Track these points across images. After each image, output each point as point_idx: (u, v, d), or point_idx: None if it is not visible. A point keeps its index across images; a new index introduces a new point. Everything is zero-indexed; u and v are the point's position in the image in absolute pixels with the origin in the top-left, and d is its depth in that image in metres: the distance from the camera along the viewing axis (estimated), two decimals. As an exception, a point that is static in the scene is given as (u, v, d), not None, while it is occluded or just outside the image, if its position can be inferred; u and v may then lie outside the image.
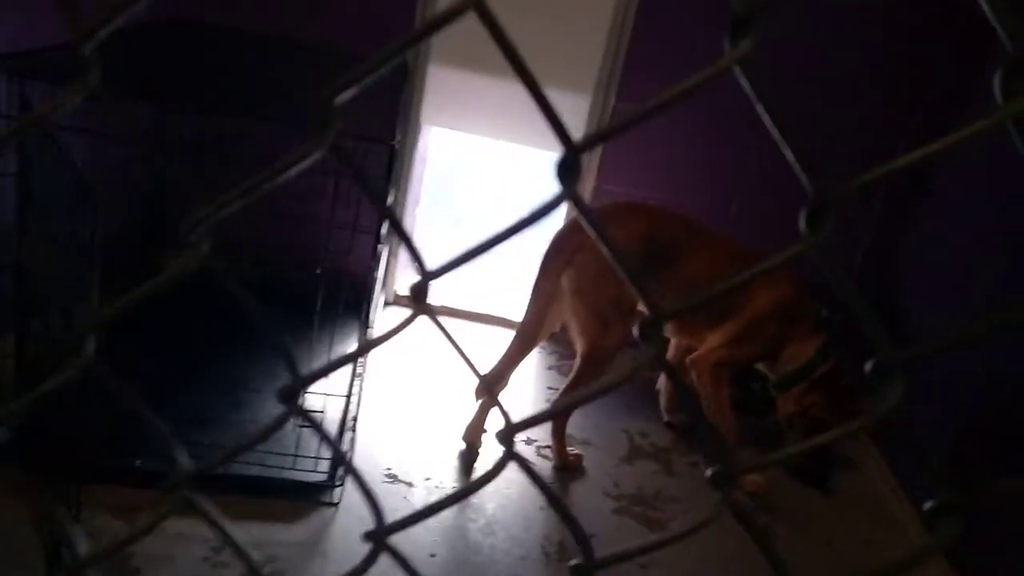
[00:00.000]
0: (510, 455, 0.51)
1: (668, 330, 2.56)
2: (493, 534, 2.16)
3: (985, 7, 0.37)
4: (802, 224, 0.44)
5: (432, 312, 0.48)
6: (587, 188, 3.02)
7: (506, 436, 0.51)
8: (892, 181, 2.91)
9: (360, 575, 0.54)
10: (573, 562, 0.55)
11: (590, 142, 0.43)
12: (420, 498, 2.22)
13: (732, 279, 0.47)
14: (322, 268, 2.08)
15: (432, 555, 2.04)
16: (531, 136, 2.93)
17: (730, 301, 2.44)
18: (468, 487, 0.54)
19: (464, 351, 0.53)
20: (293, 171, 0.44)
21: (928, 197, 2.77)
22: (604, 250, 0.47)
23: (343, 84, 0.42)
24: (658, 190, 3.01)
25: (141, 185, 2.88)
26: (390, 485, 2.24)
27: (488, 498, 2.29)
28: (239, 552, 0.56)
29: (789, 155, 0.43)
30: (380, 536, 0.53)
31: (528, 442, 2.57)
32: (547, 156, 3.02)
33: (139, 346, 2.51)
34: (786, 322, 2.45)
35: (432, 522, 2.15)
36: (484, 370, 2.59)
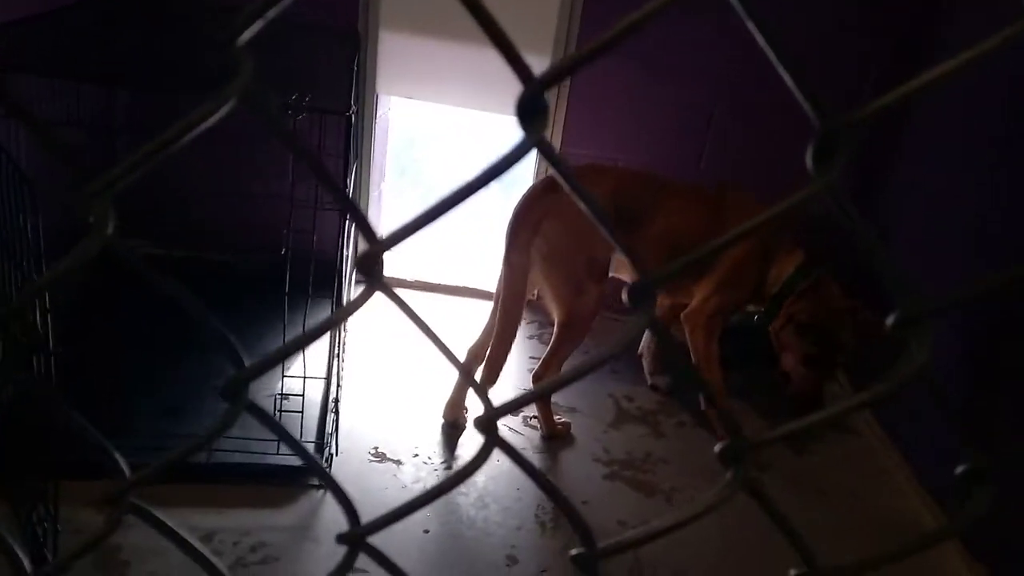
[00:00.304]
0: (493, 442, 0.47)
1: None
2: (486, 507, 2.13)
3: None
4: (809, 162, 0.39)
5: (387, 287, 0.42)
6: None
7: (487, 423, 0.46)
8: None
9: (479, 466, 0.47)
10: (574, 551, 0.51)
11: (553, 75, 0.38)
12: (409, 475, 2.18)
13: (717, 242, 0.42)
14: (287, 248, 2.00)
15: (425, 531, 2.00)
16: (492, 101, 2.85)
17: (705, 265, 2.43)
18: (449, 480, 0.49)
19: (429, 328, 0.47)
20: (201, 127, 0.37)
21: (900, 148, 2.73)
22: (582, 206, 0.42)
23: (245, 20, 0.35)
24: (624, 151, 2.95)
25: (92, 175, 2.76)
26: (378, 464, 2.20)
27: (478, 471, 2.25)
28: (197, 558, 0.51)
29: (789, 81, 0.37)
30: (357, 538, 0.48)
31: (514, 412, 2.54)
32: (513, 121, 2.96)
33: (116, 337, 2.44)
34: (765, 256, 2.45)
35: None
36: (460, 344, 2.56)
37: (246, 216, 2.90)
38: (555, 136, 2.93)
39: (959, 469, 0.48)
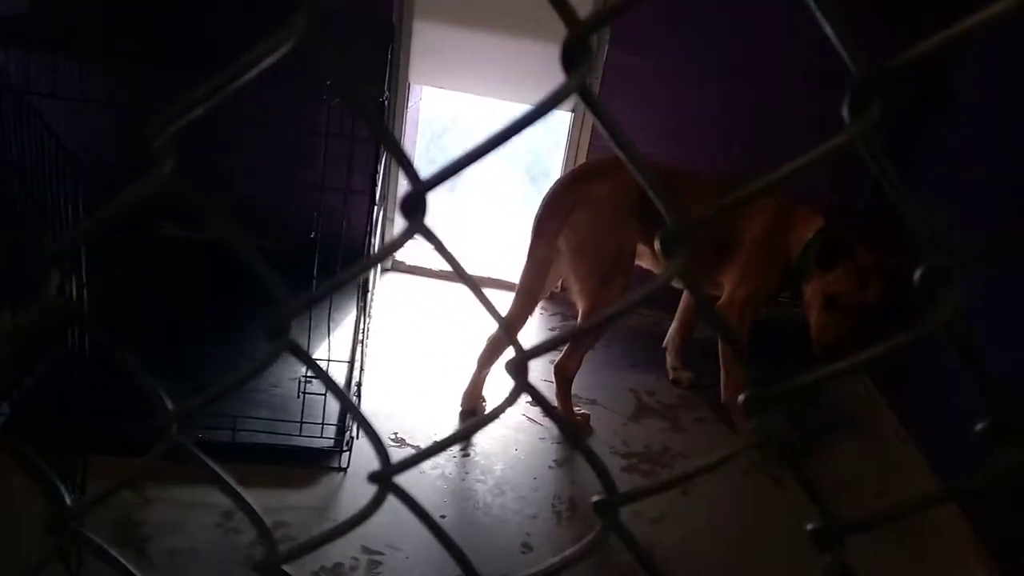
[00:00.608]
0: (523, 385, 0.48)
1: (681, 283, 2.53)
2: (503, 494, 2.15)
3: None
4: (845, 112, 0.39)
5: (427, 229, 0.43)
6: (582, 147, 2.96)
7: (517, 366, 0.47)
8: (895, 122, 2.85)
9: (366, 518, 0.50)
10: (595, 499, 0.52)
11: (598, 19, 0.38)
12: (428, 462, 2.19)
13: (741, 192, 0.42)
14: (316, 232, 2.03)
15: (442, 516, 2.02)
16: (524, 92, 2.87)
17: (729, 237, 2.42)
18: (479, 420, 0.50)
19: (465, 272, 0.48)
20: (263, 64, 0.39)
21: (927, 139, 2.71)
22: (620, 154, 0.43)
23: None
24: (658, 148, 2.95)
25: (131, 155, 2.81)
26: (397, 449, 2.22)
27: (496, 459, 2.27)
28: (238, 500, 0.53)
29: (828, 30, 0.38)
30: (386, 476, 0.49)
31: (533, 403, 2.54)
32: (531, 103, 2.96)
33: (144, 315, 2.49)
34: (785, 231, 2.44)
35: (441, 483, 2.14)
36: (480, 332, 2.59)
37: (277, 202, 2.94)
38: (585, 132, 2.94)
39: (979, 426, 0.48)
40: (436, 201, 3.10)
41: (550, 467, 2.29)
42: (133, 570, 0.53)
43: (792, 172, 0.41)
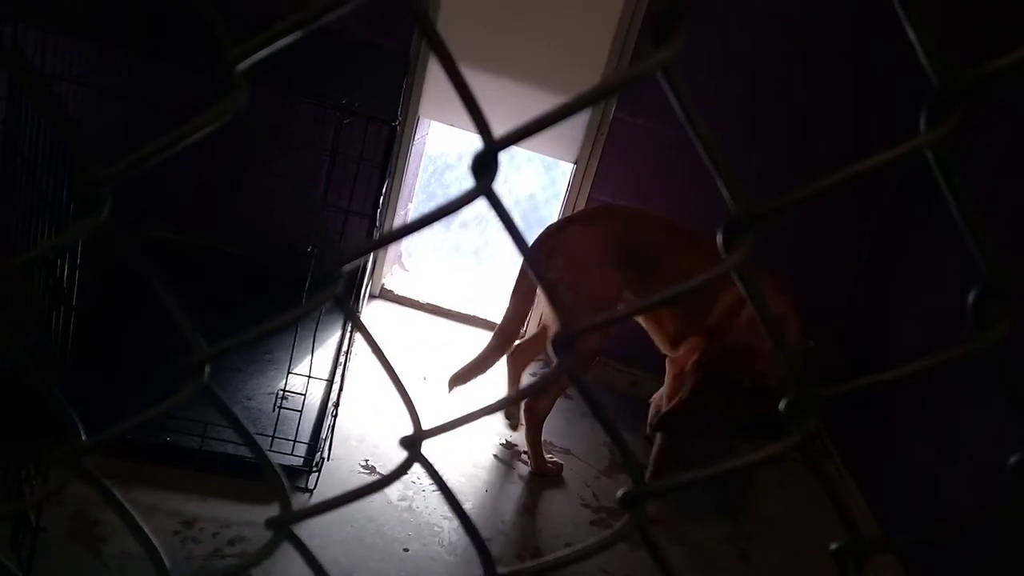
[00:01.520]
0: (413, 459, 0.49)
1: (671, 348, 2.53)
2: (466, 537, 2.09)
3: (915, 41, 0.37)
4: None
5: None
6: (581, 198, 3.00)
7: (412, 443, 0.48)
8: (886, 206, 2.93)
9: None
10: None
11: (510, 139, 0.41)
12: (396, 492, 2.14)
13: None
14: (313, 247, 2.02)
15: (405, 550, 1.96)
16: (530, 140, 2.91)
17: (703, 306, 2.39)
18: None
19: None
20: (201, 133, 0.41)
21: (919, 226, 2.78)
22: (523, 262, 0.45)
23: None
24: (652, 202, 2.99)
25: (135, 147, 2.80)
26: (366, 476, 2.17)
27: (465, 498, 2.23)
28: (139, 535, 0.51)
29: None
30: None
31: (507, 446, 2.52)
32: (541, 159, 3.00)
33: (118, 322, 2.43)
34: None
35: (407, 515, 2.08)
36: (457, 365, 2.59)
37: (277, 217, 2.94)
38: (585, 183, 2.98)
39: (1014, 459, 0.48)
40: (433, 237, 3.06)
41: (519, 512, 2.24)
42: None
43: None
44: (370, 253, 0.47)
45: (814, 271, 3.03)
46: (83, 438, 0.51)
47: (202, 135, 0.43)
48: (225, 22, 0.41)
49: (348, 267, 0.48)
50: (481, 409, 0.50)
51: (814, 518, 2.57)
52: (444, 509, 2.16)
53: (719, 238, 0.44)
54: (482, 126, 0.43)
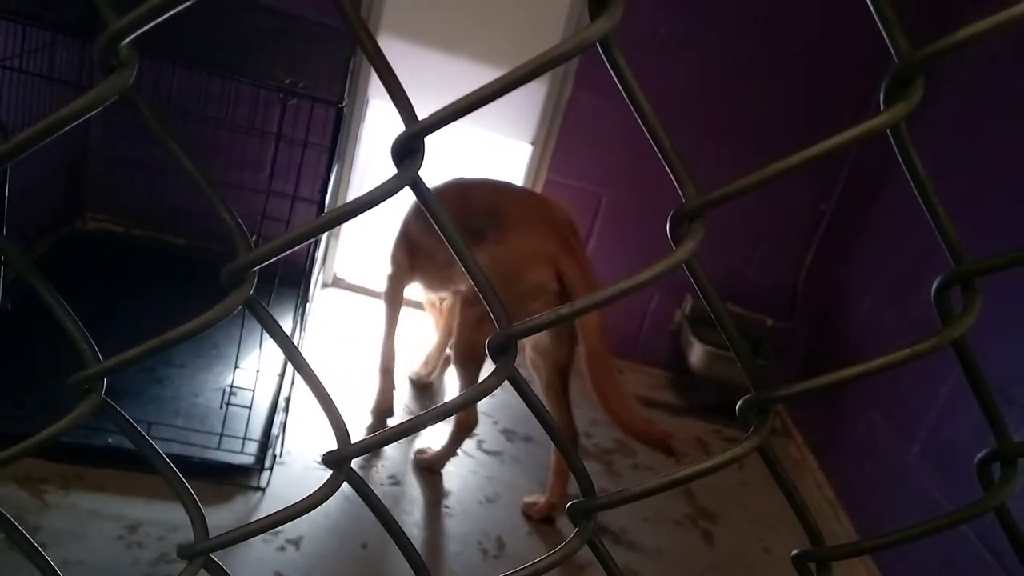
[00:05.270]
0: (340, 478, 0.46)
1: None
2: (429, 527, 2.06)
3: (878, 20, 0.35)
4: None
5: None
6: (539, 181, 2.96)
7: (337, 461, 0.45)
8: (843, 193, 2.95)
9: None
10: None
11: (433, 123, 0.37)
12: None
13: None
14: (258, 236, 1.95)
15: (363, 545, 1.92)
16: (484, 119, 2.86)
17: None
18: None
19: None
20: (81, 119, 0.37)
21: (872, 210, 2.80)
22: (439, 231, 0.41)
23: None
24: (610, 184, 2.97)
25: (66, 138, 2.67)
26: (321, 472, 2.11)
27: (426, 491, 2.19)
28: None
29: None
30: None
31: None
32: (495, 138, 2.95)
33: (39, 324, 2.33)
34: None
35: (365, 511, 2.03)
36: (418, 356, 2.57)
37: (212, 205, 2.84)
38: (543, 165, 2.94)
39: (980, 455, 0.46)
40: (380, 216, 2.99)
41: (480, 503, 2.21)
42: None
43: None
44: (284, 252, 0.42)
45: (773, 248, 3.04)
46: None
47: (83, 120, 0.38)
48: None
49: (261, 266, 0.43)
50: (412, 421, 0.46)
51: (775, 497, 2.59)
52: (404, 503, 2.12)
53: (668, 228, 0.41)
54: (404, 107, 0.38)
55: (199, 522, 0.48)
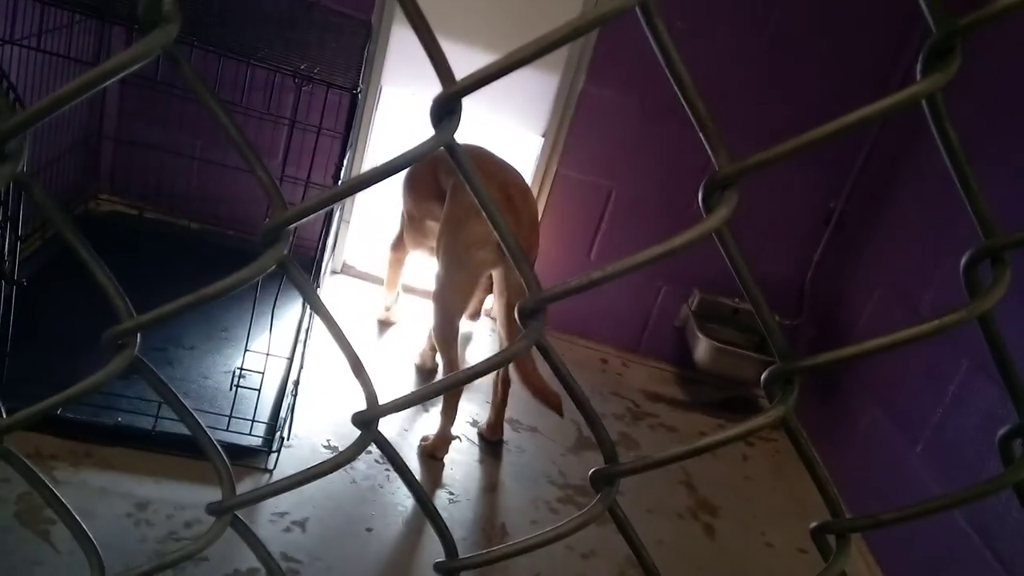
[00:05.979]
0: (368, 438, 0.46)
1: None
2: (433, 513, 2.07)
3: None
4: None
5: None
6: (549, 173, 2.96)
7: (366, 421, 0.45)
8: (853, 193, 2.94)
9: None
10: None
11: (473, 83, 0.38)
12: (360, 472, 2.11)
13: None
14: (268, 220, 1.95)
15: (368, 529, 1.93)
16: (494, 109, 2.86)
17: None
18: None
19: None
20: (123, 73, 0.37)
21: (882, 209, 2.80)
22: (473, 197, 0.42)
23: None
24: (620, 178, 2.97)
25: (80, 119, 2.68)
26: (330, 456, 2.12)
27: (428, 476, 2.20)
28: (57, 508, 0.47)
29: None
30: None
31: (473, 423, 2.49)
32: (506, 128, 2.95)
33: (69, 299, 2.34)
34: None
35: (371, 495, 2.05)
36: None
37: (237, 190, 2.85)
38: (554, 157, 2.95)
39: (1003, 431, 0.46)
40: (391, 201, 2.95)
41: (484, 489, 2.22)
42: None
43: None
44: (319, 210, 0.43)
45: (781, 245, 3.04)
46: (2, 416, 0.48)
47: (126, 74, 0.38)
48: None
49: (296, 224, 0.44)
50: (444, 380, 0.46)
51: (778, 492, 2.60)
52: (406, 491, 2.13)
53: (700, 196, 0.41)
54: (442, 69, 0.39)
55: (227, 481, 0.49)
